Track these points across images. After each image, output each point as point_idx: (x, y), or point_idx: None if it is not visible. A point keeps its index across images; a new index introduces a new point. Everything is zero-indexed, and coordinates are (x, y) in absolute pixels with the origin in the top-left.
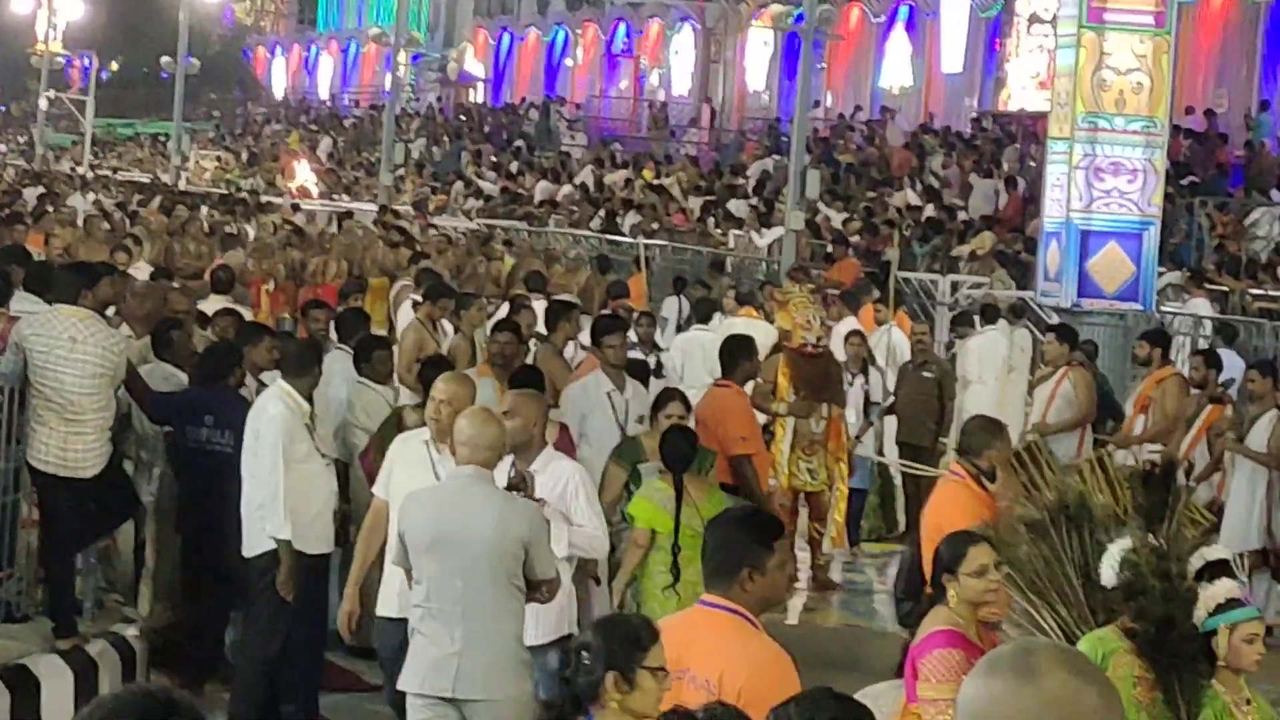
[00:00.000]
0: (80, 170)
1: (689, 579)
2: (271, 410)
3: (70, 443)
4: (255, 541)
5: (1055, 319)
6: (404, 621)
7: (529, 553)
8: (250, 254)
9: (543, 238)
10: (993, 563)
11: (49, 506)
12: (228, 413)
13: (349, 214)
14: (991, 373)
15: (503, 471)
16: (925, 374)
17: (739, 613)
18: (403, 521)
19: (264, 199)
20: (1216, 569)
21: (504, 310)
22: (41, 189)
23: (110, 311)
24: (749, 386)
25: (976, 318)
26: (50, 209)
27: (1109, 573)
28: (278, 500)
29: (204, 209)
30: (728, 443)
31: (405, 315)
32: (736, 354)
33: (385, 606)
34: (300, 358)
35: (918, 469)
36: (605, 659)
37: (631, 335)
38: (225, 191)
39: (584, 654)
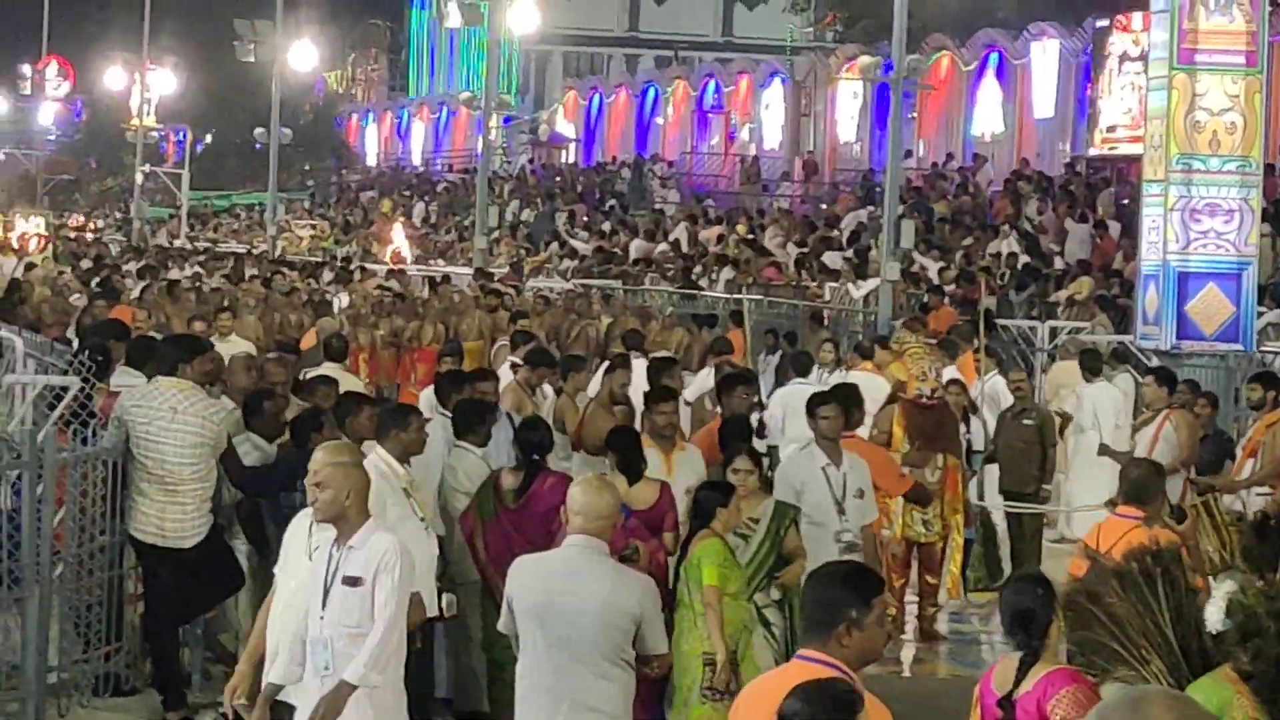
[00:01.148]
0: (178, 243)
1: (674, 640)
2: None
3: (168, 513)
4: None
5: (1155, 362)
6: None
7: (639, 627)
8: (348, 321)
9: (638, 296)
10: None
11: (150, 577)
12: None
13: (446, 278)
14: (1108, 419)
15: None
16: (1025, 421)
17: (835, 666)
18: (511, 587)
19: (359, 265)
20: None
21: (601, 371)
22: (146, 262)
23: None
24: (862, 434)
25: (1107, 367)
26: (149, 282)
27: (1215, 616)
28: None
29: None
30: (895, 490)
31: (504, 376)
32: (847, 403)
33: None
34: (390, 422)
35: (1027, 508)
36: None
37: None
38: (322, 260)
39: None
